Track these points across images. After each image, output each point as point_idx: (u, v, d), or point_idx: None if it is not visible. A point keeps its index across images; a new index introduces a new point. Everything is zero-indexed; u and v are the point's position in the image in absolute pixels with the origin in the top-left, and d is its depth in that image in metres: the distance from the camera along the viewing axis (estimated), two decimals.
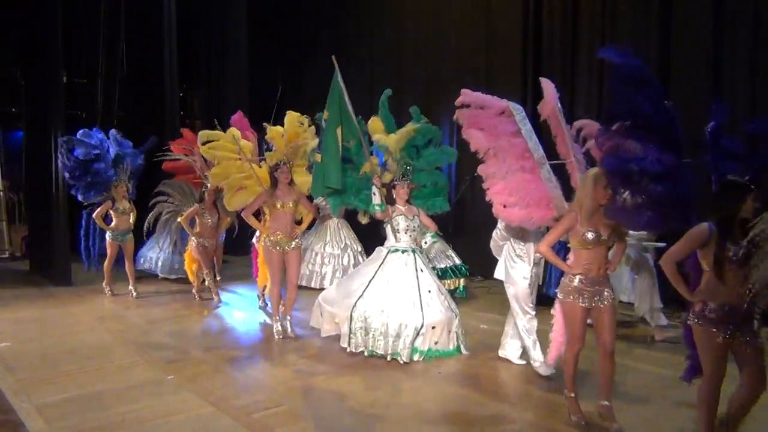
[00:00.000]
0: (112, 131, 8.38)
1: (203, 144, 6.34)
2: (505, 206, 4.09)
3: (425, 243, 7.45)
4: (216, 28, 11.79)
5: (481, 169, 4.19)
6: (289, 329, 6.18)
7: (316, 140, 5.90)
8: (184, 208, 8.04)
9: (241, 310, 7.55)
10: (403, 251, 5.72)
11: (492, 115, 4.15)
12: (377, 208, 5.64)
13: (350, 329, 5.54)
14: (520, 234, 5.02)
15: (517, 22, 8.68)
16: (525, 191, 3.99)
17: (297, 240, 6.15)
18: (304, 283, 8.17)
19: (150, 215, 8.22)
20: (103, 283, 8.18)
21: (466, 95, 4.26)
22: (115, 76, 11.26)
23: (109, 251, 7.98)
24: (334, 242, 8.64)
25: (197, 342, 6.16)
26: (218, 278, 8.10)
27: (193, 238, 7.68)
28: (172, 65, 10.09)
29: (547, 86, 4.22)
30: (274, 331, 6.15)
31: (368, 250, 7.56)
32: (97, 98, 11.41)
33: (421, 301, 5.47)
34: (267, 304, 7.43)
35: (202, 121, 12.32)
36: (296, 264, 6.19)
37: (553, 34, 8.30)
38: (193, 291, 8.03)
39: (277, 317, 6.23)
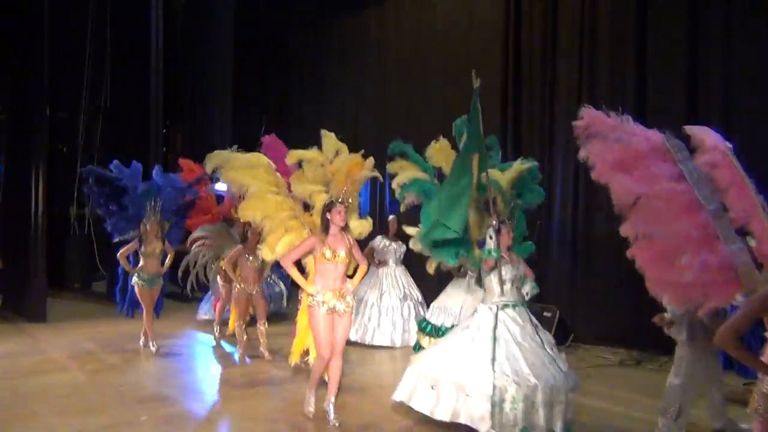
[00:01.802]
0: (156, 165, 7.67)
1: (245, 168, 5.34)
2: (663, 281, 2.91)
3: (526, 294, 5.86)
4: (200, 65, 11.88)
5: (625, 229, 2.94)
6: (332, 414, 4.73)
7: (374, 172, 5.42)
8: (225, 251, 7.20)
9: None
10: (514, 306, 4.78)
11: (636, 151, 2.99)
12: (492, 254, 4.69)
13: (495, 402, 4.29)
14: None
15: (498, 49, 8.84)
16: (694, 258, 2.77)
17: (349, 298, 4.79)
18: (356, 339, 7.37)
19: (183, 263, 7.61)
20: (142, 341, 7.01)
21: (593, 119, 3.09)
22: (98, 111, 11.26)
23: (140, 299, 6.95)
24: (391, 292, 7.67)
25: (176, 384, 6.01)
26: (262, 327, 6.85)
27: (236, 284, 6.78)
28: (158, 101, 10.12)
29: (705, 134, 3.02)
30: (306, 410, 4.90)
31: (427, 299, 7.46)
32: (79, 132, 11.38)
33: (555, 360, 4.65)
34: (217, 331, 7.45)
35: (183, 157, 12.33)
36: (346, 329, 4.83)
37: (533, 65, 8.47)
38: (238, 351, 6.86)
39: (312, 393, 4.93)
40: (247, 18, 12.18)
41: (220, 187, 8.26)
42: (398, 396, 4.88)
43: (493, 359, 4.43)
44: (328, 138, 5.47)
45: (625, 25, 7.44)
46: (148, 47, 10.05)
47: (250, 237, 6.66)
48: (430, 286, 7.62)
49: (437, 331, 6.45)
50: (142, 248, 6.83)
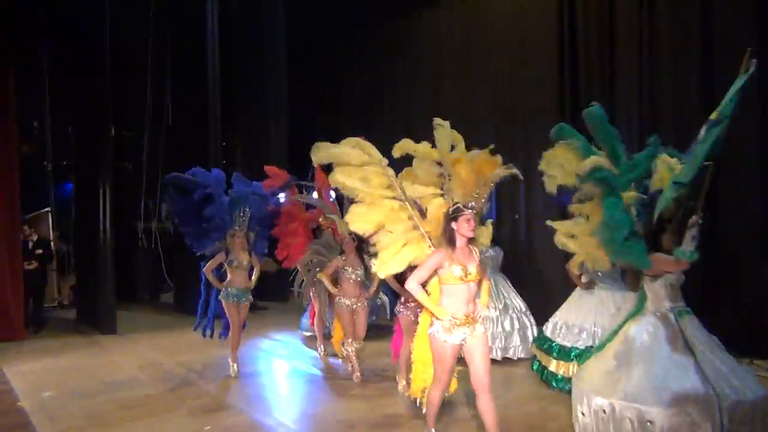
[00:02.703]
0: (236, 173, 7.25)
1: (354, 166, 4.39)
2: None
3: None
4: (256, 77, 12.05)
5: None
6: None
7: (513, 170, 4.64)
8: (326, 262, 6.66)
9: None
10: (687, 312, 4.26)
11: None
12: (693, 256, 3.93)
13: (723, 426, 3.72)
14: None
15: (554, 53, 8.61)
16: None
17: (481, 325, 4.01)
18: None
19: (299, 278, 7.42)
20: (230, 360, 6.60)
21: None
22: (161, 128, 11.63)
23: (228, 316, 6.48)
24: (489, 302, 7.19)
25: (236, 392, 6.11)
26: (354, 347, 6.27)
27: (336, 298, 6.25)
28: (216, 114, 10.36)
29: None
30: None
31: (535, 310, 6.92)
32: (143, 149, 11.79)
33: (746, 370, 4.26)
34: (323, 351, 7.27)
35: (243, 169, 12.58)
36: (485, 356, 3.98)
37: (591, 67, 8.19)
38: (353, 371, 6.28)
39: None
40: (299, 27, 12.30)
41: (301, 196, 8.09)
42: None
43: (704, 376, 3.85)
44: (443, 130, 4.62)
45: (688, 23, 7.11)
46: (205, 61, 10.29)
47: (345, 248, 6.20)
48: (535, 295, 7.36)
49: (567, 354, 5.66)
50: (229, 261, 6.41)
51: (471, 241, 3.98)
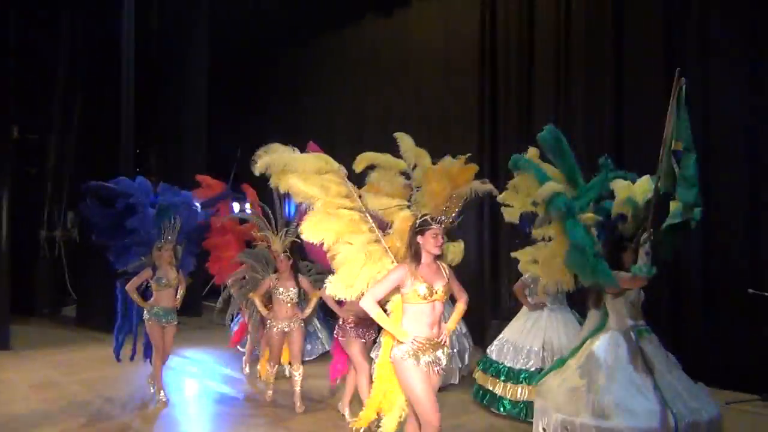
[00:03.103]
0: (162, 182, 6.61)
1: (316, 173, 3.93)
2: None
3: None
4: (176, 85, 11.68)
5: None
6: None
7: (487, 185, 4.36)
8: (259, 280, 6.13)
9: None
10: (648, 331, 4.34)
11: None
12: (650, 272, 4.02)
13: None
14: None
15: (475, 73, 8.77)
16: None
17: (446, 350, 3.70)
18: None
19: (225, 293, 6.79)
20: (149, 380, 6.15)
21: None
22: (70, 132, 11.04)
23: (151, 337, 5.94)
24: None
25: (138, 413, 5.78)
26: (297, 374, 5.75)
27: (268, 321, 5.82)
28: (129, 121, 9.91)
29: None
30: None
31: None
32: (49, 154, 11.15)
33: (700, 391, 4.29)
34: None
35: (158, 178, 12.12)
36: (436, 388, 3.70)
37: (509, 84, 8.39)
38: (268, 397, 6.04)
39: None
40: (222, 40, 12.08)
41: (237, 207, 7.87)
42: None
43: (663, 398, 3.91)
44: (406, 141, 4.60)
45: (600, 39, 7.39)
46: (119, 65, 9.85)
47: (279, 267, 5.76)
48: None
49: (516, 377, 5.46)
50: (157, 278, 5.83)
51: (438, 258, 3.68)
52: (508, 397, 5.45)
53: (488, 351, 5.85)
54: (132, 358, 6.42)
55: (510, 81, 8.38)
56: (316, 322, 7.61)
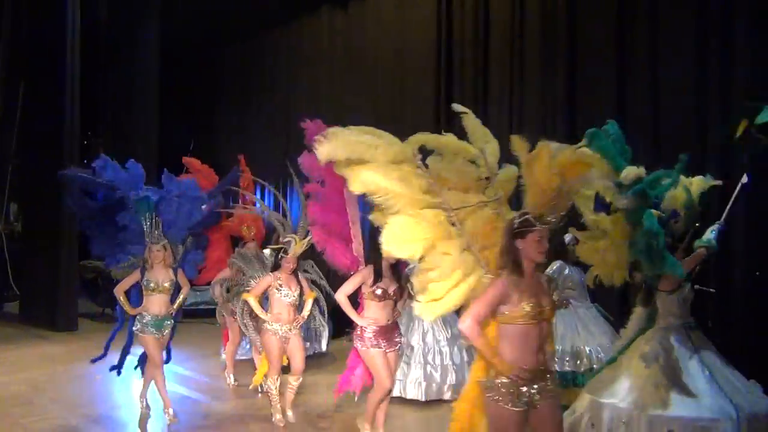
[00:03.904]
0: (166, 171, 5.78)
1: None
2: None
3: None
4: (125, 77, 11.38)
5: None
6: None
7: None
8: (251, 281, 5.53)
9: None
10: (696, 328, 4.33)
11: None
12: (712, 243, 4.13)
13: None
14: None
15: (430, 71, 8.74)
16: None
17: (550, 384, 3.04)
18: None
19: (216, 290, 6.13)
20: (140, 396, 5.47)
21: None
22: (12, 123, 10.62)
23: (146, 350, 5.23)
24: (438, 331, 5.93)
25: (87, 414, 5.59)
26: (293, 385, 5.30)
27: (266, 324, 5.16)
28: (74, 112, 9.57)
29: None
30: None
31: None
32: None
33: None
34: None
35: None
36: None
37: (465, 81, 8.41)
38: (273, 412, 5.28)
39: None
40: (173, 31, 11.77)
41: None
42: None
43: (721, 389, 3.91)
44: (472, 120, 3.62)
45: (554, 37, 7.43)
46: (64, 52, 9.48)
47: (284, 265, 5.12)
48: None
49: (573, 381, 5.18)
50: (145, 281, 5.10)
51: (537, 267, 3.06)
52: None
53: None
54: (118, 372, 5.58)
55: (465, 75, 8.40)
56: (320, 318, 6.92)
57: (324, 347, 7.42)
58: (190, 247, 5.58)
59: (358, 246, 4.76)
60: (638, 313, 4.55)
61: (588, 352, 5.20)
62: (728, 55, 5.94)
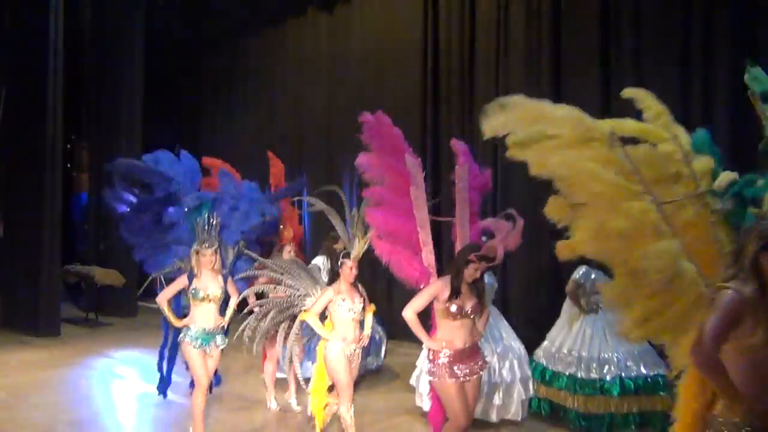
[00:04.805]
0: (222, 169, 5.29)
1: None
2: None
3: None
4: (110, 77, 11.24)
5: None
6: None
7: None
8: (303, 298, 4.59)
9: None
10: None
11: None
12: None
13: None
14: None
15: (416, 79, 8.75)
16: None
17: None
18: None
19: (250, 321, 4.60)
20: (192, 429, 4.62)
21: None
22: None
23: (190, 365, 4.51)
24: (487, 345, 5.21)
25: (66, 417, 5.48)
26: (348, 413, 4.37)
27: (327, 344, 4.33)
28: (56, 113, 9.45)
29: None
30: None
31: None
32: None
33: None
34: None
35: (90, 174, 11.70)
36: None
37: (451, 86, 8.42)
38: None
39: None
40: (159, 31, 11.70)
41: None
42: None
43: None
44: (656, 104, 2.90)
45: (539, 38, 7.49)
46: (46, 57, 9.37)
47: (344, 274, 4.33)
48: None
49: (587, 387, 5.05)
50: (194, 290, 4.46)
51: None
52: (586, 410, 5.00)
53: (542, 359, 5.37)
54: (164, 393, 5.06)
55: (451, 77, 8.41)
56: (379, 328, 6.37)
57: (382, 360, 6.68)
58: (241, 252, 4.96)
59: (428, 254, 4.08)
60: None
61: (616, 360, 5.03)
62: (710, 62, 6.04)
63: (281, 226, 5.94)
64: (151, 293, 7.37)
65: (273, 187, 6.34)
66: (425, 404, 5.05)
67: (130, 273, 9.99)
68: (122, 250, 8.02)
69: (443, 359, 3.69)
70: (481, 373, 3.84)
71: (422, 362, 5.12)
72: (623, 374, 4.94)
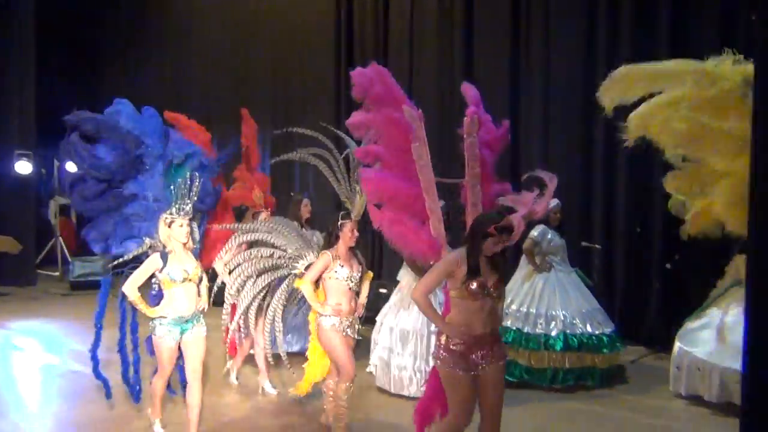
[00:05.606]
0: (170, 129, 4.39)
1: None
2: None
3: None
4: None
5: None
6: None
7: None
8: (297, 261, 4.03)
9: None
10: None
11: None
12: None
13: None
14: None
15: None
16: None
17: None
18: None
19: (232, 279, 3.99)
20: (149, 412, 4.19)
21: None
22: None
23: (159, 358, 3.87)
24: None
25: None
26: (345, 387, 3.96)
27: (319, 318, 3.93)
28: None
29: None
30: None
31: None
32: None
33: None
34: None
35: None
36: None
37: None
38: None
39: None
40: None
41: None
42: None
43: None
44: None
45: (450, 27, 7.68)
46: None
47: (343, 238, 3.88)
48: None
49: (534, 341, 5.16)
50: (167, 270, 3.72)
51: None
52: (529, 364, 5.12)
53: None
54: (136, 398, 4.27)
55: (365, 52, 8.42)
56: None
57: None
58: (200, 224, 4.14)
59: (437, 223, 3.41)
60: (738, 262, 4.39)
61: (563, 317, 5.16)
62: (615, 51, 6.34)
63: (254, 191, 5.49)
64: (52, 262, 6.95)
65: (244, 147, 5.89)
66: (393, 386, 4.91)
67: (28, 239, 9.44)
68: (16, 215, 7.55)
69: (458, 347, 3.07)
70: (500, 363, 3.17)
71: (379, 336, 5.05)
72: (568, 331, 5.11)
